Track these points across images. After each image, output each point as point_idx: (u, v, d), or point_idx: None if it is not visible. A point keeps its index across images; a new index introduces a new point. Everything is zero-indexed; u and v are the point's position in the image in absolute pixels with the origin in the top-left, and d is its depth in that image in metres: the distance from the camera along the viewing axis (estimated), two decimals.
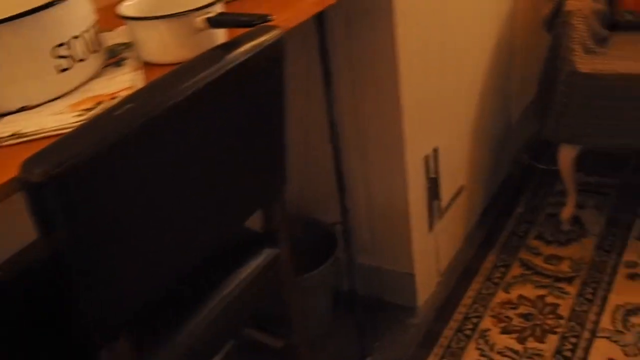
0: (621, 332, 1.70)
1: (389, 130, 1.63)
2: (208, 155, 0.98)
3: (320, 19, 1.30)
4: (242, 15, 0.92)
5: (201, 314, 1.09)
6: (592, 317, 1.76)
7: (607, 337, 1.69)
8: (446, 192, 1.90)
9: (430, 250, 1.89)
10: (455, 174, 1.95)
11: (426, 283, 1.91)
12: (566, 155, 1.99)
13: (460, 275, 1.97)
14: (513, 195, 2.28)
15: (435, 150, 1.78)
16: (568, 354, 1.66)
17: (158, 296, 0.99)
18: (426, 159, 1.75)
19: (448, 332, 1.79)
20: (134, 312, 0.94)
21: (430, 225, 1.85)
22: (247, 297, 1.16)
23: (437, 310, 1.87)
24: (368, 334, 1.80)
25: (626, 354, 1.63)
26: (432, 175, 1.79)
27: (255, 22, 0.88)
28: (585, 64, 1.85)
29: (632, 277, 1.87)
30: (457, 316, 1.84)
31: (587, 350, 1.67)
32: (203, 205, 0.99)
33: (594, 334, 1.71)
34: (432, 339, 1.78)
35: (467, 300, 1.88)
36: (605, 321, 1.74)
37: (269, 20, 0.89)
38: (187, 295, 1.12)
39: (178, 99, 0.86)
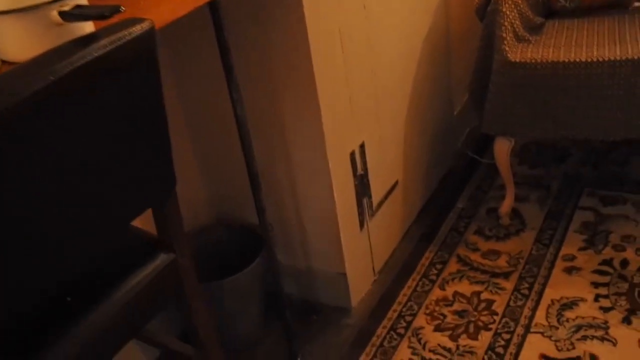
0: (555, 327, 1.66)
1: (309, 127, 1.58)
2: (83, 153, 0.92)
3: (213, 8, 1.24)
4: (94, 8, 0.87)
5: (89, 321, 1.03)
6: (526, 312, 1.72)
7: (541, 333, 1.65)
8: (378, 188, 1.85)
9: (363, 249, 1.84)
10: (388, 169, 1.91)
11: (360, 282, 1.86)
12: (501, 148, 1.95)
13: (396, 273, 1.93)
14: (454, 190, 2.23)
15: (362, 146, 1.73)
16: (500, 350, 1.62)
17: (34, 301, 0.94)
18: (352, 155, 1.70)
19: (381, 331, 1.74)
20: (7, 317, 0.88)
21: (362, 224, 1.80)
22: (140, 303, 1.10)
23: (371, 310, 1.82)
24: (299, 337, 1.75)
25: (559, 349, 1.59)
26: (360, 172, 1.75)
27: (106, 14, 0.83)
28: (515, 52, 1.81)
29: (568, 270, 1.84)
30: (391, 314, 1.79)
31: (520, 345, 1.63)
32: (82, 205, 0.94)
33: (527, 329, 1.67)
34: (365, 339, 1.74)
35: (402, 298, 1.84)
36: (540, 316, 1.70)
37: (120, 12, 0.83)
38: (75, 302, 1.06)
39: (25, 94, 0.81)
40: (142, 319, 1.14)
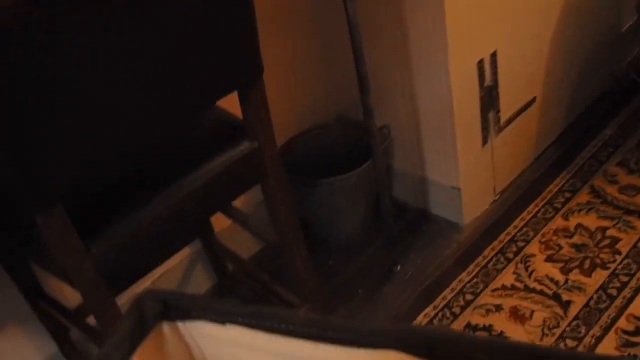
0: None
1: (431, 28, 1.48)
2: (166, 31, 0.94)
3: None
4: None
5: (160, 201, 1.07)
6: None
7: None
8: (510, 103, 1.73)
9: (484, 166, 1.74)
10: (525, 84, 1.76)
11: (477, 200, 1.78)
12: None
13: (519, 196, 1.82)
14: (605, 115, 2.03)
15: (494, 55, 1.61)
16: (613, 292, 1.50)
17: (100, 171, 0.98)
18: (480, 64, 1.59)
19: (489, 252, 1.67)
20: (70, 184, 0.94)
21: (485, 139, 1.70)
22: (213, 190, 1.12)
23: (484, 230, 1.75)
24: (405, 245, 1.73)
25: None
26: (489, 84, 1.63)
27: None
28: None
29: None
30: (504, 237, 1.71)
31: (637, 290, 1.49)
32: (160, 80, 0.96)
33: None
34: (471, 257, 1.67)
35: (519, 222, 1.74)
36: None
37: None
38: (148, 181, 1.10)
39: None
40: (213, 206, 1.16)
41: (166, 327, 0.67)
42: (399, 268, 1.67)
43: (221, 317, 0.66)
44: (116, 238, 0.99)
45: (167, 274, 1.59)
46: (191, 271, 1.64)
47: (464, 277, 1.62)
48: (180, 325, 0.67)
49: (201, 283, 1.69)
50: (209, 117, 1.19)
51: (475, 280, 1.61)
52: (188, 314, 0.66)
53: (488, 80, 1.62)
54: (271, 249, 1.71)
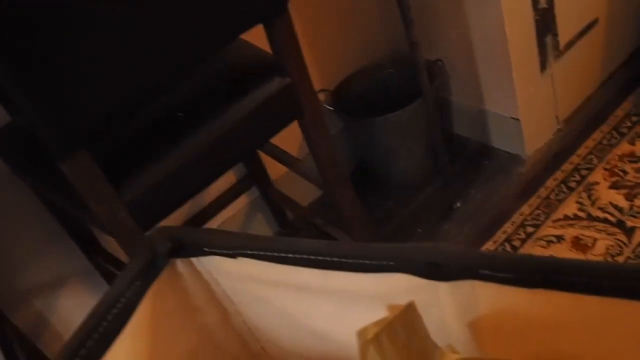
0: None
1: None
2: None
3: None
4: None
5: (190, 142, 1.07)
6: None
7: None
8: (569, 25, 1.64)
9: (544, 94, 1.68)
10: (585, 4, 1.67)
11: (539, 130, 1.72)
12: None
13: (584, 124, 1.75)
14: None
15: None
16: None
17: (126, 110, 0.98)
18: None
19: (551, 183, 1.62)
20: (96, 124, 0.93)
21: (543, 65, 1.63)
22: (245, 129, 1.11)
23: (546, 160, 1.69)
24: (463, 180, 1.70)
25: None
26: (543, 5, 1.56)
27: None
28: None
29: None
30: (567, 167, 1.65)
31: None
32: (181, 10, 0.94)
33: None
34: (532, 190, 1.63)
35: (582, 150, 1.67)
36: None
37: None
38: (177, 124, 1.10)
39: None
40: (252, 141, 1.15)
41: (180, 264, 0.69)
42: (458, 205, 1.65)
43: (231, 250, 0.66)
44: (146, 181, 1.00)
45: (226, 223, 1.62)
46: (251, 220, 1.68)
47: (525, 209, 1.59)
48: (195, 261, 0.68)
49: (261, 231, 1.72)
50: (239, 54, 1.18)
51: (536, 212, 1.57)
52: (200, 250, 0.66)
53: (542, 2, 1.55)
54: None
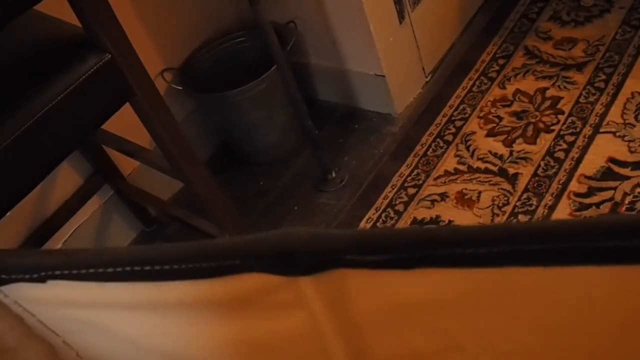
0: (631, 125, 1.38)
1: None
2: None
3: None
4: None
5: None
6: (598, 109, 1.44)
7: (612, 132, 1.38)
8: None
9: (405, 46, 1.58)
10: None
11: (406, 85, 1.63)
12: None
13: (451, 73, 1.67)
14: None
15: None
16: (560, 155, 1.38)
17: None
18: None
19: (426, 139, 1.54)
20: None
21: (401, 15, 1.53)
22: (61, 116, 0.92)
23: (418, 116, 1.60)
24: (334, 148, 1.59)
25: (631, 151, 1.33)
26: None
27: None
28: None
29: None
30: (440, 120, 1.57)
31: (585, 149, 1.37)
32: None
33: (597, 129, 1.40)
34: (408, 148, 1.54)
35: (454, 100, 1.60)
36: (614, 113, 1.42)
37: None
38: None
39: None
40: (75, 129, 0.97)
41: None
42: (333, 174, 1.53)
43: (37, 273, 0.52)
44: None
45: (80, 230, 1.43)
46: (108, 222, 1.49)
47: (404, 170, 1.49)
48: None
49: (124, 234, 1.54)
50: (43, 31, 0.99)
51: (415, 171, 1.48)
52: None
53: None
54: None
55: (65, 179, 1.40)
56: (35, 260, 0.51)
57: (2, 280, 0.52)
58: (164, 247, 0.47)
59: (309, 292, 0.45)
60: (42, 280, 0.51)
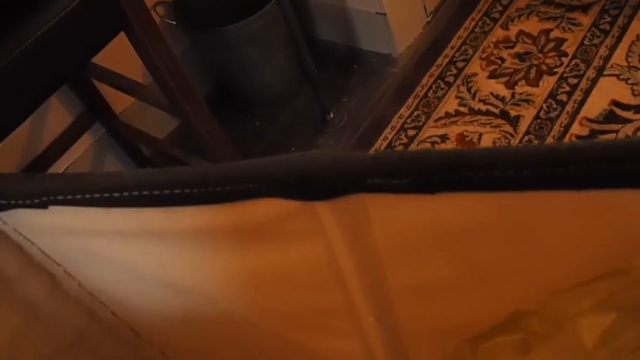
0: (635, 68, 1.36)
1: None
2: None
3: None
4: None
5: None
6: (602, 51, 1.41)
7: (616, 75, 1.36)
8: None
9: None
10: None
11: (408, 25, 1.59)
12: None
13: (453, 13, 1.64)
14: None
15: None
16: (563, 97, 1.36)
17: None
18: None
19: (427, 80, 1.51)
20: None
21: None
22: (50, 46, 0.88)
23: (419, 56, 1.58)
24: (334, 88, 1.56)
25: (635, 94, 1.31)
26: None
27: None
28: None
29: None
30: (441, 61, 1.54)
31: (588, 91, 1.35)
32: None
33: (600, 72, 1.38)
34: (408, 89, 1.52)
35: (456, 41, 1.57)
36: (618, 56, 1.39)
37: None
38: None
39: None
40: (67, 60, 0.93)
41: None
42: (332, 115, 1.51)
43: (39, 198, 0.49)
44: None
45: (70, 170, 1.41)
46: (100, 161, 1.46)
47: (403, 111, 1.47)
48: None
49: None
50: None
51: (415, 112, 1.46)
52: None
53: None
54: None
55: (56, 116, 1.37)
56: (37, 185, 0.49)
57: (1, 206, 0.51)
58: (175, 170, 0.45)
59: (326, 218, 0.43)
60: (43, 205, 0.49)
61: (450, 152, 0.37)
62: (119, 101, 1.42)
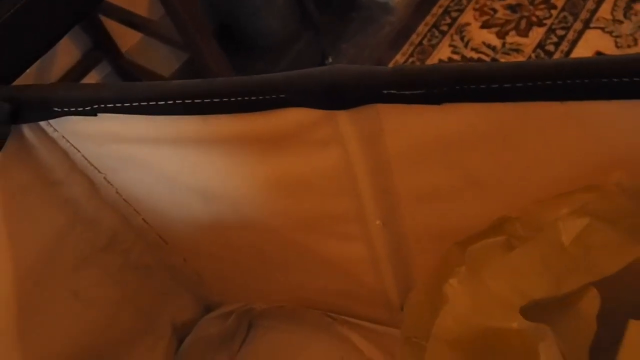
0: (619, 21, 1.43)
1: None
2: None
3: None
4: None
5: None
6: (590, 5, 1.48)
7: (601, 28, 1.43)
8: None
9: None
10: None
11: None
12: None
13: None
14: None
15: None
16: (551, 47, 1.43)
17: None
18: None
19: (422, 29, 1.58)
20: None
21: None
22: None
23: (415, 6, 1.64)
24: (332, 35, 1.62)
25: (618, 46, 1.38)
26: None
27: None
28: None
29: None
30: (436, 10, 1.60)
31: (574, 42, 1.43)
32: None
33: (587, 24, 1.45)
34: (404, 37, 1.58)
35: None
36: (605, 9, 1.46)
37: None
38: None
39: None
40: None
41: (28, 132, 0.57)
42: (330, 60, 1.57)
43: (88, 106, 0.54)
44: None
45: None
46: None
47: (399, 58, 1.54)
48: (45, 126, 0.57)
49: None
50: None
51: (410, 59, 1.53)
52: (49, 110, 0.53)
53: None
54: (192, 61, 1.59)
55: (63, 53, 1.42)
56: (88, 93, 0.53)
57: (53, 113, 0.54)
58: (213, 81, 0.48)
59: (345, 127, 0.48)
60: (93, 113, 0.53)
61: (458, 66, 0.43)
62: (125, 39, 1.47)
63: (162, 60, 1.53)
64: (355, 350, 0.75)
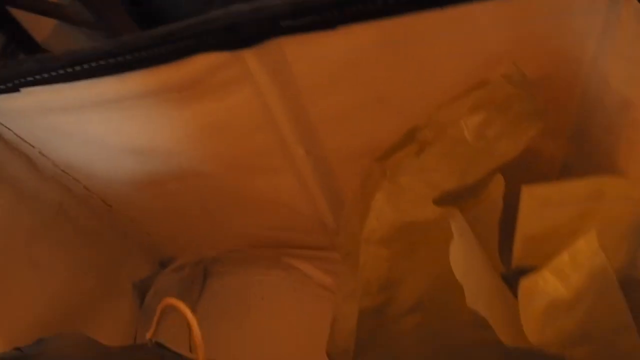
0: None
1: None
2: None
3: None
4: None
5: None
6: None
7: None
8: None
9: None
10: None
11: None
12: None
13: None
14: None
15: None
16: None
17: None
18: None
19: None
20: None
21: None
22: None
23: None
24: None
25: None
26: None
27: None
28: None
29: None
30: None
31: None
32: None
33: None
34: None
35: None
36: None
37: None
38: None
39: None
40: None
41: None
42: None
43: (10, 82, 0.56)
44: None
45: None
46: None
47: None
48: None
49: None
50: None
51: None
52: None
53: None
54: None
55: None
56: (8, 71, 0.55)
57: None
58: (123, 38, 0.51)
59: (252, 65, 0.52)
60: (15, 89, 0.56)
61: None
62: (39, 29, 1.45)
63: (80, 45, 1.52)
64: (305, 277, 0.80)
